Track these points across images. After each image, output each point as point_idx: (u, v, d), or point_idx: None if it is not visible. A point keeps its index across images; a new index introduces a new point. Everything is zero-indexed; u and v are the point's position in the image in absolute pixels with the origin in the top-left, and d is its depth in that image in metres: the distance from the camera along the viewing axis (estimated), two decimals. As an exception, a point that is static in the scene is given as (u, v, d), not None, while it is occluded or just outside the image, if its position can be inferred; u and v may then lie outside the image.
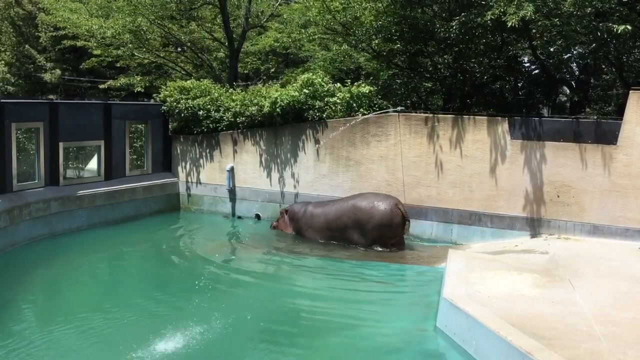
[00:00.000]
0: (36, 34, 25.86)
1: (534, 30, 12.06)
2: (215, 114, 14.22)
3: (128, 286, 9.56)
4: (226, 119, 14.05)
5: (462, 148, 11.49)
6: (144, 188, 14.08)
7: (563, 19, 11.14)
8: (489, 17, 10.76)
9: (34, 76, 25.96)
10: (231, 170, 14.14)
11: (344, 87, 13.15)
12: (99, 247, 11.47)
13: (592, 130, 10.45)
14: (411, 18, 13.34)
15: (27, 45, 26.01)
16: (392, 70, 15.53)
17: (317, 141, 12.99)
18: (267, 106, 13.15)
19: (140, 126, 14.83)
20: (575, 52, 13.89)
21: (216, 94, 14.47)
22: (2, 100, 11.41)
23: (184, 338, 7.08)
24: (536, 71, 15.12)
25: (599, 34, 11.00)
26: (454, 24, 11.99)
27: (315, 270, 10.10)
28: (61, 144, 12.42)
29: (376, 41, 14.66)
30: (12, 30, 26.06)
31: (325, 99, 12.97)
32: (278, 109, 13.08)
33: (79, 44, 20.95)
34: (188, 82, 15.19)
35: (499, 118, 11.24)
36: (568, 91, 15.73)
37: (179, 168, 15.06)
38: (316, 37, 17.33)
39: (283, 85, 14.92)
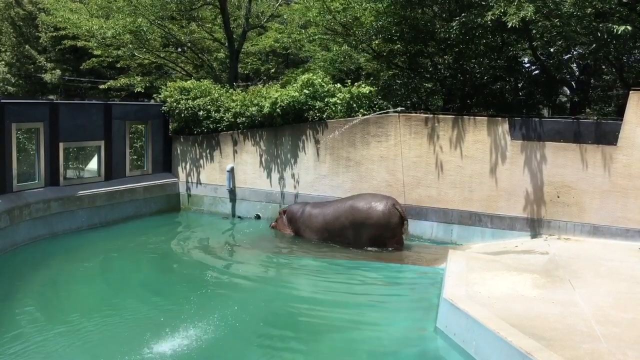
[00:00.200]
0: (36, 34, 25.87)
1: (534, 31, 12.05)
2: (216, 114, 14.22)
3: (127, 287, 9.55)
4: (226, 120, 14.05)
5: (463, 148, 11.50)
6: (144, 188, 14.08)
7: (563, 20, 11.14)
8: (489, 18, 10.76)
9: (34, 76, 25.97)
10: (231, 171, 14.14)
11: (344, 88, 13.16)
12: (98, 248, 11.46)
13: (592, 130, 10.45)
14: (411, 18, 13.34)
15: (27, 46, 26.03)
16: (392, 71, 15.54)
17: (317, 141, 12.99)
18: (267, 106, 13.16)
19: (140, 126, 14.84)
20: (575, 52, 13.88)
21: (216, 95, 14.48)
22: (2, 101, 11.42)
23: (182, 339, 7.07)
24: (536, 72, 15.12)
25: (599, 34, 11.00)
26: (454, 24, 11.99)
27: (315, 271, 10.10)
28: (61, 144, 12.43)
29: (376, 42, 14.67)
30: (12, 30, 26.07)
31: (326, 100, 12.97)
32: (278, 110, 13.08)
33: (79, 44, 20.95)
34: (188, 82, 15.20)
35: (499, 118, 11.24)
36: (568, 92, 15.74)
37: (179, 168, 15.07)
38: (316, 37, 17.33)
39: (283, 86, 14.93)
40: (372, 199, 11.23)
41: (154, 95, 15.69)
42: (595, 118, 10.66)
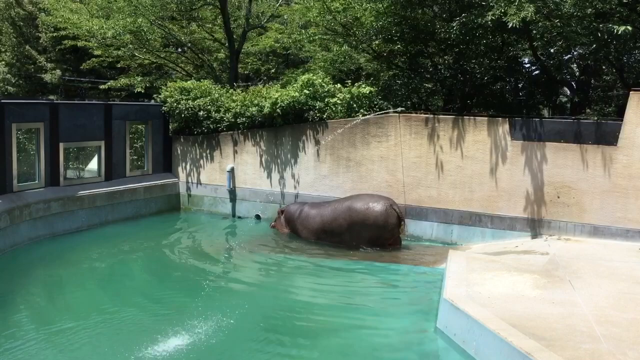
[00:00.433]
0: (37, 34, 25.87)
1: (534, 31, 12.05)
2: (216, 114, 14.23)
3: (127, 287, 9.56)
4: (226, 120, 14.05)
5: (463, 149, 11.49)
6: (144, 188, 14.08)
7: (564, 20, 11.14)
8: (489, 18, 10.76)
9: (34, 77, 25.97)
10: (231, 171, 14.14)
11: (344, 88, 13.16)
12: (99, 248, 11.47)
13: (592, 131, 10.44)
14: (411, 19, 13.34)
15: (27, 46, 26.02)
16: (392, 71, 15.53)
17: (317, 142, 12.99)
18: (268, 107, 13.16)
19: (140, 127, 14.84)
20: (575, 53, 13.88)
21: (216, 95, 14.48)
22: (2, 101, 11.43)
23: (182, 339, 7.08)
24: (537, 72, 15.11)
25: (599, 35, 10.99)
26: (454, 24, 11.98)
27: (314, 271, 10.10)
28: (61, 145, 12.43)
29: (376, 42, 14.66)
30: (12, 30, 26.06)
31: (326, 100, 12.97)
32: (278, 110, 13.08)
33: (80, 44, 20.94)
34: (188, 82, 15.20)
35: (500, 119, 11.24)
36: (568, 92, 15.72)
37: (179, 168, 15.07)
38: (316, 37, 17.32)
39: (283, 86, 14.92)
40: (370, 200, 11.24)
41: (154, 96, 15.70)
42: (596, 118, 10.65)
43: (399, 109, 12.36)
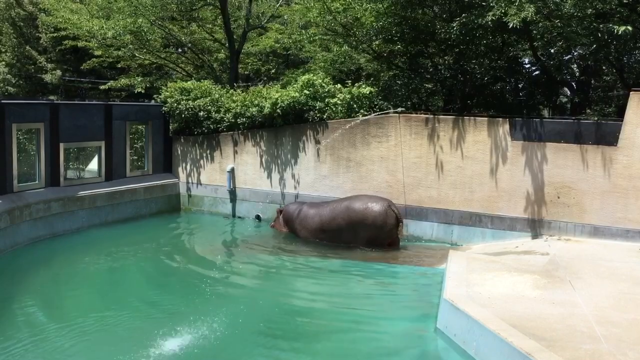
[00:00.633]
0: (37, 34, 25.88)
1: (534, 32, 12.05)
2: (216, 114, 14.23)
3: (127, 287, 9.56)
4: (227, 120, 14.05)
5: (463, 149, 11.49)
6: (145, 189, 14.08)
7: (564, 20, 11.13)
8: (489, 18, 10.75)
9: (34, 77, 25.98)
10: (232, 171, 14.14)
11: (344, 88, 13.16)
12: (99, 248, 11.47)
13: (592, 131, 10.44)
14: (412, 19, 13.34)
15: (27, 46, 26.03)
16: (392, 71, 15.53)
17: (317, 142, 12.99)
18: (268, 107, 13.16)
19: (140, 127, 14.84)
20: (575, 53, 13.87)
21: (217, 95, 14.48)
22: (3, 101, 11.43)
23: (182, 340, 7.08)
24: (537, 72, 15.10)
25: (599, 35, 10.99)
26: (454, 25, 11.98)
27: (314, 271, 10.10)
28: (62, 145, 12.44)
29: (377, 42, 14.66)
30: (12, 31, 26.08)
31: (326, 100, 12.97)
32: (278, 110, 13.08)
33: (80, 44, 20.95)
34: (189, 83, 15.20)
35: (500, 119, 11.24)
36: (569, 92, 15.71)
37: (180, 169, 15.07)
38: (317, 38, 17.31)
39: (284, 86, 14.92)
40: (369, 200, 11.27)
41: (155, 96, 15.70)
42: (596, 119, 10.65)
43: (399, 109, 12.36)
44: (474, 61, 14.10)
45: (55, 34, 22.85)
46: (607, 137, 10.33)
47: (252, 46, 21.12)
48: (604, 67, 14.46)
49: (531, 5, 10.08)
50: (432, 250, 11.22)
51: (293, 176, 13.40)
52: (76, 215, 12.40)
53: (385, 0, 13.15)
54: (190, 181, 14.95)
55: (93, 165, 13.74)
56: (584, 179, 10.53)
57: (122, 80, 21.25)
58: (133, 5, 17.61)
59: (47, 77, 25.12)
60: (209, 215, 14.53)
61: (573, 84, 14.78)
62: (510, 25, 10.31)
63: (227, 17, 18.03)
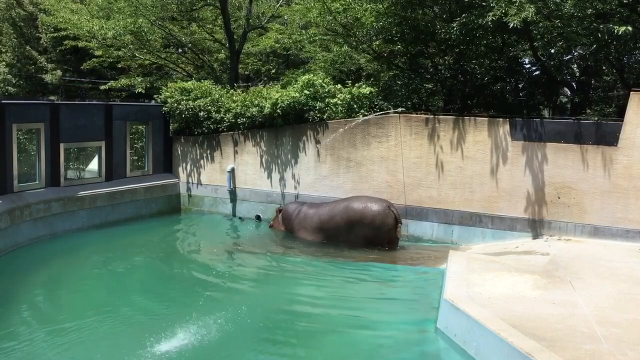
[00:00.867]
0: (37, 35, 25.89)
1: (534, 32, 12.04)
2: (216, 115, 14.23)
3: (128, 287, 9.56)
4: (227, 120, 14.05)
5: (463, 149, 11.49)
6: (145, 189, 14.09)
7: (564, 21, 11.13)
8: (490, 19, 10.75)
9: (35, 77, 25.99)
10: (232, 171, 14.15)
11: (344, 88, 13.16)
12: (99, 248, 11.48)
13: (592, 131, 10.44)
14: (412, 19, 13.34)
15: (28, 46, 26.05)
16: (392, 72, 15.53)
17: (317, 142, 12.99)
18: (268, 107, 13.16)
19: (141, 127, 14.85)
20: (576, 53, 13.87)
21: (217, 95, 14.49)
22: (3, 101, 11.43)
23: (182, 339, 7.08)
24: (537, 72, 15.10)
25: (599, 35, 10.99)
26: (454, 25, 11.98)
27: (314, 271, 10.09)
28: (62, 145, 12.44)
29: (377, 42, 14.66)
30: (13, 31, 26.09)
31: (326, 100, 12.97)
32: (279, 110, 13.08)
33: (80, 44, 20.97)
34: (189, 83, 15.21)
35: (500, 119, 11.24)
36: (569, 92, 15.71)
37: (180, 169, 15.07)
38: (317, 38, 17.32)
39: (284, 87, 14.93)
40: (368, 201, 11.30)
41: (155, 96, 15.70)
42: (596, 119, 10.65)
43: (400, 109, 12.36)
44: (474, 61, 14.10)
45: (56, 34, 22.86)
46: (608, 137, 10.33)
47: (252, 46, 21.13)
48: (604, 67, 14.45)
49: (531, 6, 10.08)
50: (432, 251, 11.21)
51: (293, 176, 13.40)
52: (76, 216, 12.40)
53: (386, 1, 13.15)
54: (190, 181, 14.95)
55: (93, 165, 13.74)
56: (584, 179, 10.53)
57: (123, 80, 21.26)
58: (133, 5, 17.62)
59: (48, 77, 25.13)
60: (209, 215, 14.53)
61: (573, 84, 14.77)
62: (511, 26, 10.31)
63: (228, 17, 18.03)
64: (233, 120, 13.96)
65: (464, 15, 11.91)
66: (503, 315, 6.62)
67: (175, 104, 14.61)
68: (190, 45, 20.45)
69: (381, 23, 13.66)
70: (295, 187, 13.38)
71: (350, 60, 17.48)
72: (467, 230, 11.53)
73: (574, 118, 11.14)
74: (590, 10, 10.94)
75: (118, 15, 18.15)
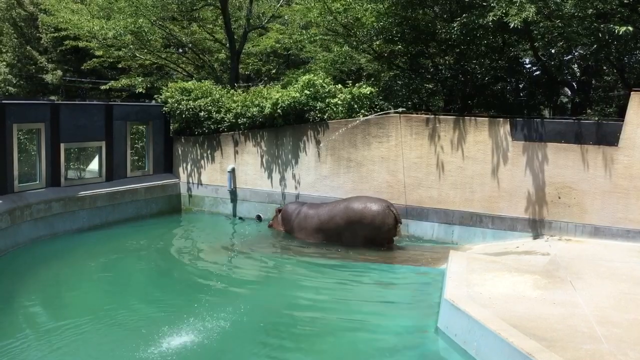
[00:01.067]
0: (38, 35, 25.88)
1: (535, 32, 12.04)
2: (217, 115, 14.23)
3: (128, 287, 9.57)
4: (227, 120, 14.05)
5: (464, 149, 11.49)
6: (145, 189, 14.09)
7: (564, 21, 11.13)
8: (490, 19, 10.75)
9: (35, 77, 25.98)
10: (232, 171, 14.14)
11: (345, 88, 13.17)
12: (99, 248, 11.48)
13: (593, 131, 10.44)
14: (412, 19, 13.34)
15: (28, 47, 26.04)
16: (393, 72, 15.53)
17: (318, 142, 12.99)
18: (268, 107, 13.16)
19: (141, 127, 14.85)
20: (576, 53, 13.87)
21: (217, 95, 14.49)
22: (3, 102, 11.44)
23: (182, 340, 7.07)
24: (537, 72, 15.10)
25: (600, 35, 10.99)
26: (455, 25, 11.98)
27: (314, 272, 10.09)
28: (62, 145, 12.44)
29: (377, 42, 14.66)
30: (13, 31, 26.09)
31: (327, 100, 12.97)
32: (279, 110, 13.08)
33: (81, 45, 20.97)
34: (189, 83, 15.21)
35: (501, 119, 11.24)
36: (569, 92, 15.71)
37: (180, 169, 15.07)
38: (317, 38, 17.33)
39: (284, 87, 14.92)
40: (368, 201, 11.31)
41: (155, 96, 15.70)
42: (596, 119, 10.65)
43: (400, 109, 12.36)
44: (474, 61, 14.10)
45: (56, 34, 22.86)
46: (608, 137, 10.33)
47: (252, 46, 21.13)
48: (604, 67, 14.46)
49: (532, 6, 10.08)
50: (432, 251, 11.21)
51: (294, 176, 13.40)
52: (77, 216, 12.41)
53: (386, 1, 13.16)
54: (190, 181, 14.95)
55: (94, 165, 13.74)
56: (584, 179, 10.52)
57: (123, 80, 21.26)
58: (134, 5, 17.62)
59: (48, 78, 25.12)
60: (209, 215, 14.53)
61: (574, 84, 14.77)
62: (511, 26, 10.31)
63: (228, 17, 18.03)
64: (233, 120, 13.96)
65: (464, 15, 11.92)
66: (503, 315, 6.62)
67: (176, 104, 14.61)
68: (190, 45, 20.46)
69: (382, 23, 13.67)
70: (296, 187, 13.38)
71: (351, 60, 17.48)
72: (468, 231, 11.52)
73: (574, 118, 11.14)
74: (590, 10, 10.94)
75: (118, 15, 18.15)
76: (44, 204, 11.69)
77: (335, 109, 12.80)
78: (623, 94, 13.36)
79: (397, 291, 9.19)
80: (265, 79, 22.46)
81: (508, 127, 11.10)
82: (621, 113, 11.01)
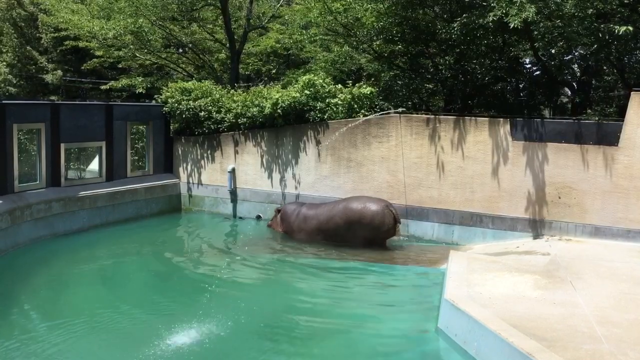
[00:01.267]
0: (38, 35, 25.90)
1: (535, 32, 12.05)
2: (217, 115, 14.23)
3: (128, 288, 9.56)
4: (227, 120, 14.05)
5: (464, 149, 11.49)
6: (145, 189, 14.09)
7: (565, 21, 11.13)
8: (490, 19, 10.75)
9: (35, 77, 26.00)
10: (232, 171, 14.14)
11: (345, 89, 13.16)
12: (100, 249, 11.48)
13: (593, 131, 10.44)
14: (412, 19, 13.34)
15: (28, 47, 26.05)
16: (393, 72, 15.53)
17: (318, 142, 12.99)
18: (269, 107, 13.16)
19: (141, 127, 14.84)
20: (576, 53, 13.88)
21: (217, 95, 14.49)
22: (3, 102, 11.44)
23: (181, 340, 7.07)
24: (537, 72, 15.12)
25: (600, 35, 10.99)
26: (455, 25, 11.98)
27: (315, 272, 10.09)
28: (62, 145, 12.44)
29: (377, 42, 14.66)
30: (13, 31, 26.10)
31: (327, 100, 12.97)
32: (279, 110, 13.08)
33: (81, 45, 20.99)
34: (189, 83, 15.21)
35: (501, 119, 11.24)
36: (569, 92, 15.72)
37: (180, 169, 15.07)
38: (317, 38, 17.35)
39: (284, 87, 14.93)
40: (367, 201, 11.30)
41: (155, 96, 15.71)
42: (597, 119, 10.65)
43: (400, 109, 12.36)
44: (474, 61, 14.11)
45: (56, 35, 22.88)
46: (608, 137, 10.32)
47: (252, 46, 21.14)
48: (604, 67, 14.46)
49: (532, 6, 10.08)
50: (432, 251, 11.21)
51: (294, 176, 13.40)
52: (77, 216, 12.41)
53: (386, 1, 13.16)
54: (191, 181, 14.95)
55: (94, 165, 13.74)
56: (585, 179, 10.52)
57: (123, 80, 21.28)
58: (134, 5, 17.63)
59: (48, 78, 25.13)
60: (209, 215, 14.52)
61: (574, 84, 14.78)
62: (511, 26, 10.30)
63: (228, 17, 18.04)
64: (234, 121, 13.96)
65: (464, 15, 11.92)
66: (504, 315, 6.62)
67: (176, 104, 14.61)
68: (190, 45, 20.46)
69: (382, 23, 13.67)
70: (296, 187, 13.38)
71: (351, 60, 17.49)
72: (468, 231, 11.52)
73: (574, 118, 11.14)
74: (591, 10, 10.95)
75: (118, 15, 18.16)
76: (44, 204, 11.69)
77: (335, 109, 12.80)
78: (623, 94, 13.37)
79: (397, 291, 9.19)
80: (266, 79, 22.47)
81: (508, 127, 11.10)
82: (621, 113, 11.01)
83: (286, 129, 13.41)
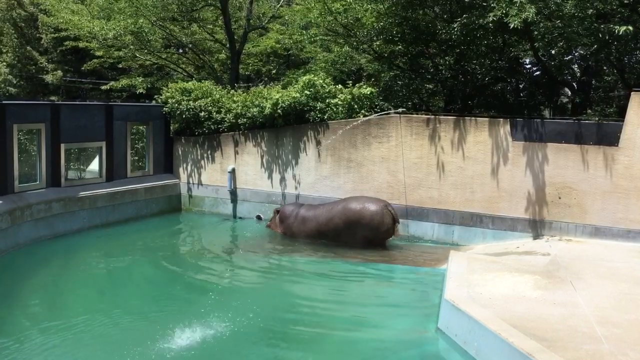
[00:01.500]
0: (38, 35, 25.91)
1: (535, 32, 12.05)
2: (217, 115, 14.23)
3: (128, 288, 9.56)
4: (227, 121, 14.05)
5: (464, 149, 11.49)
6: (145, 189, 14.09)
7: (565, 21, 11.13)
8: (490, 19, 10.76)
9: (35, 77, 26.00)
10: (232, 172, 14.14)
11: (345, 89, 13.16)
12: (100, 249, 11.49)
13: (593, 131, 10.44)
14: (412, 19, 13.35)
15: (28, 47, 26.05)
16: (393, 72, 15.54)
17: (318, 142, 12.99)
18: (269, 107, 13.16)
19: (141, 127, 14.84)
20: (576, 53, 13.89)
21: (217, 96, 14.49)
22: (4, 102, 11.44)
23: (181, 341, 7.06)
24: (538, 73, 15.13)
25: (600, 35, 11.00)
26: (455, 25, 11.99)
27: (315, 272, 10.09)
28: (63, 145, 12.44)
29: (377, 43, 14.67)
30: (13, 31, 26.10)
31: (327, 101, 12.97)
32: (279, 111, 13.08)
33: (81, 45, 21.00)
34: (189, 83, 15.21)
35: (501, 120, 11.24)
36: (569, 93, 15.72)
37: (180, 169, 15.07)
38: (317, 38, 17.33)
39: (284, 87, 14.93)
40: (366, 201, 11.30)
41: (155, 96, 15.71)
42: (597, 119, 10.65)
43: (400, 109, 12.36)
44: (474, 62, 14.11)
45: (56, 35, 22.88)
46: (608, 137, 10.33)
47: (252, 47, 21.14)
48: (604, 68, 14.48)
49: (532, 6, 10.09)
50: (432, 251, 11.21)
51: (294, 177, 13.40)
52: (77, 216, 12.40)
53: (386, 1, 13.16)
54: (191, 182, 14.95)
55: (94, 165, 13.74)
56: (585, 179, 10.52)
57: (123, 80, 21.28)
58: (134, 6, 17.63)
59: (48, 78, 25.13)
60: (209, 215, 14.52)
61: (574, 84, 14.79)
62: (511, 26, 10.31)
63: (228, 17, 18.04)
64: (234, 121, 13.96)
65: (464, 15, 11.92)
66: (504, 315, 6.62)
67: (176, 105, 14.61)
68: (190, 45, 20.46)
69: (382, 23, 13.68)
70: (296, 188, 13.38)
71: (351, 61, 17.49)
72: (468, 231, 11.52)
73: (574, 118, 11.15)
74: (591, 10, 10.95)
75: (119, 15, 18.17)
76: (44, 204, 11.69)
77: (335, 110, 12.80)
78: (623, 94, 13.38)
79: (397, 291, 9.19)
80: (266, 79, 22.48)
81: (508, 127, 11.10)
82: (621, 113, 11.01)
83: (286, 129, 13.41)
